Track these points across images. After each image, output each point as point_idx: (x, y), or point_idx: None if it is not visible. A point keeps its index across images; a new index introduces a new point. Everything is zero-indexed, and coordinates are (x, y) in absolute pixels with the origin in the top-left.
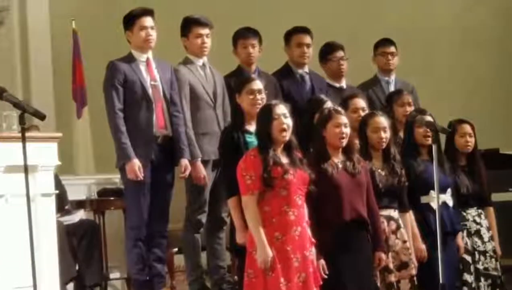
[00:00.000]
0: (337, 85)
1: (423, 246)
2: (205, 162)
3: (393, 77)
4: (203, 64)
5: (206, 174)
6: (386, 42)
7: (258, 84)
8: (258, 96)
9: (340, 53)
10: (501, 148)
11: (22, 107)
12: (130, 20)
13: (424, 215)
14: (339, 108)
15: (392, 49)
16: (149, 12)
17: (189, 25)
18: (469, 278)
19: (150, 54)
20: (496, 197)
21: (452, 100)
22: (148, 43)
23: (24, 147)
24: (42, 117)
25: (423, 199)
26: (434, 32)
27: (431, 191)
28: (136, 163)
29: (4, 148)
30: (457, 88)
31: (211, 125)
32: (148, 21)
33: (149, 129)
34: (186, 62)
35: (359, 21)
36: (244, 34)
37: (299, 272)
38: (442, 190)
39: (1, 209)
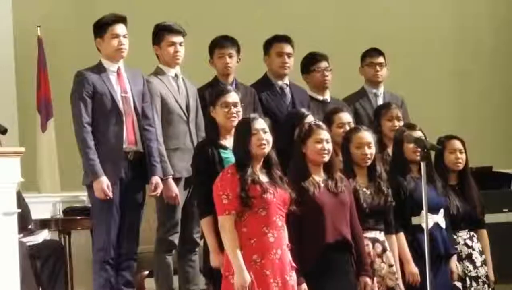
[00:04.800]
0: (320, 97)
1: (416, 270)
2: (177, 180)
3: (381, 90)
4: (176, 75)
5: (178, 193)
6: (374, 52)
7: (233, 97)
8: (234, 109)
9: (324, 64)
10: (495, 166)
11: None
12: (102, 27)
13: (415, 237)
14: (320, 123)
15: (381, 59)
16: (121, 19)
17: (161, 32)
18: None
19: (121, 64)
20: (489, 218)
21: (443, 116)
22: (120, 52)
23: None
24: (3, 131)
25: (415, 220)
26: (423, 43)
27: (423, 212)
28: (105, 180)
29: None
30: (448, 103)
31: (183, 140)
32: (120, 28)
33: (119, 144)
34: (158, 72)
35: (345, 29)
36: (221, 43)
37: None
38: (435, 211)
39: None
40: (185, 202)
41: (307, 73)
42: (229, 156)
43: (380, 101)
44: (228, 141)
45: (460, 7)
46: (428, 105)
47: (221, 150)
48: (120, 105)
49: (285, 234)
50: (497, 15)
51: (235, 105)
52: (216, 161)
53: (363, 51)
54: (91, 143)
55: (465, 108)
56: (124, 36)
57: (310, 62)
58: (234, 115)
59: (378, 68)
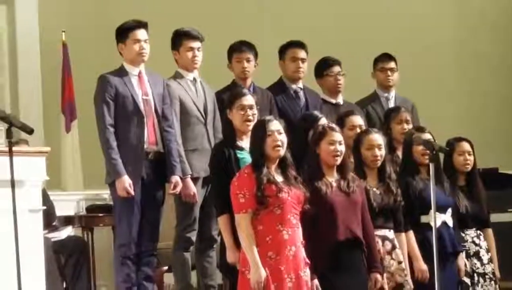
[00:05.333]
0: (333, 101)
1: (424, 267)
2: (195, 179)
3: (392, 93)
4: (194, 79)
5: (196, 192)
6: (385, 57)
7: (249, 100)
8: (249, 112)
9: (337, 68)
10: (500, 167)
11: (9, 120)
12: (123, 33)
13: (424, 235)
14: (334, 125)
15: (392, 64)
16: (143, 25)
17: (179, 38)
18: None
19: (142, 68)
20: (495, 217)
21: (451, 118)
22: (141, 56)
23: (11, 162)
24: (29, 131)
25: (423, 219)
26: (433, 48)
27: (431, 211)
28: (126, 179)
29: None
30: (456, 106)
31: (201, 141)
32: (141, 34)
33: (140, 144)
34: (177, 76)
35: (357, 35)
36: (238, 48)
37: None
38: (443, 210)
39: None
40: (203, 200)
41: (320, 77)
42: (245, 156)
43: (391, 105)
44: (244, 142)
45: (465, 8)
46: (436, 107)
47: (238, 151)
48: (142, 107)
49: (299, 231)
50: (504, 15)
51: (250, 107)
52: (233, 161)
53: (374, 56)
54: (114, 143)
55: (472, 111)
56: (145, 41)
57: (323, 67)
58: (250, 117)
59: (389, 73)
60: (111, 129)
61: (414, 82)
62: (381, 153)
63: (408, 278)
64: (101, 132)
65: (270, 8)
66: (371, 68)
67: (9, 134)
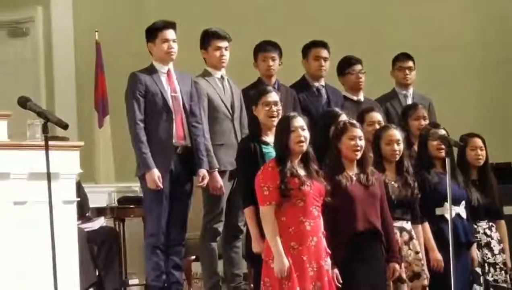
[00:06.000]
0: (355, 98)
1: (439, 257)
2: (222, 173)
3: (410, 91)
4: (221, 77)
5: (223, 184)
6: (404, 56)
7: (274, 96)
8: (274, 108)
9: (358, 67)
10: None
11: (45, 116)
12: (153, 32)
13: (438, 227)
14: (354, 121)
15: (410, 63)
16: (171, 25)
17: (208, 38)
18: (478, 289)
19: (171, 66)
20: (507, 210)
21: (465, 114)
22: (169, 55)
23: (47, 155)
24: (64, 126)
25: (438, 211)
26: (449, 47)
27: (446, 203)
28: (156, 172)
29: (27, 156)
30: (470, 102)
31: (228, 136)
32: (170, 33)
33: (169, 139)
34: (205, 74)
35: (377, 35)
36: (264, 48)
37: (314, 281)
38: (456, 202)
39: (24, 216)
40: (229, 193)
41: (342, 76)
42: (270, 151)
43: (409, 102)
44: (269, 137)
45: (484, 8)
46: (450, 104)
47: (263, 146)
48: (170, 104)
49: (320, 223)
50: None
51: (275, 104)
52: (258, 155)
53: (393, 55)
54: (144, 138)
55: (485, 108)
56: (174, 41)
57: (345, 65)
58: (275, 113)
59: (407, 71)
60: (141, 125)
61: (430, 80)
62: (399, 148)
63: (425, 267)
64: (131, 127)
65: (294, 10)
66: (390, 67)
67: (45, 129)
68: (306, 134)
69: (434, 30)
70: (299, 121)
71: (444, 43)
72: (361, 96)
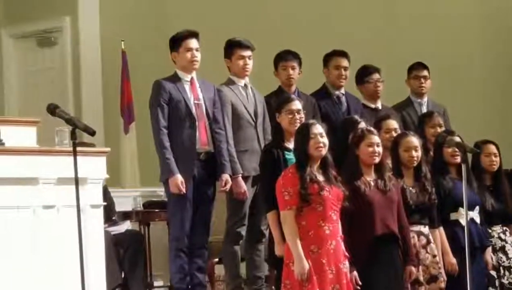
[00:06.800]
0: (372, 106)
1: (454, 260)
2: (245, 178)
3: (425, 99)
4: (245, 85)
5: (246, 189)
6: (419, 66)
7: (297, 104)
8: (297, 116)
9: (376, 76)
10: None
11: (73, 123)
12: (176, 42)
13: (453, 231)
14: (372, 128)
15: (425, 72)
16: (194, 35)
17: (232, 47)
18: None
19: (194, 74)
20: None
21: (479, 120)
22: (193, 64)
23: (75, 161)
24: (92, 132)
25: (453, 216)
26: (464, 57)
27: (460, 208)
28: (179, 178)
29: (56, 161)
30: (484, 108)
31: (251, 142)
32: (193, 43)
33: (192, 145)
34: (229, 82)
35: (393, 45)
36: (284, 57)
37: (333, 284)
38: (470, 207)
39: (53, 219)
40: (253, 197)
41: (361, 84)
42: (292, 157)
43: (424, 110)
44: (292, 144)
45: (500, 16)
46: (466, 111)
47: (286, 152)
48: (194, 111)
49: (339, 227)
50: None
51: (298, 112)
52: (281, 161)
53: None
54: (167, 144)
55: (499, 114)
56: (197, 50)
57: (363, 74)
58: (298, 121)
59: (422, 80)
60: (165, 131)
61: (445, 88)
62: (417, 154)
63: (442, 270)
64: (155, 134)
65: (314, 21)
66: (405, 75)
67: (73, 136)
68: (325, 140)
69: (449, 39)
70: (318, 128)
71: (458, 51)
72: (379, 104)
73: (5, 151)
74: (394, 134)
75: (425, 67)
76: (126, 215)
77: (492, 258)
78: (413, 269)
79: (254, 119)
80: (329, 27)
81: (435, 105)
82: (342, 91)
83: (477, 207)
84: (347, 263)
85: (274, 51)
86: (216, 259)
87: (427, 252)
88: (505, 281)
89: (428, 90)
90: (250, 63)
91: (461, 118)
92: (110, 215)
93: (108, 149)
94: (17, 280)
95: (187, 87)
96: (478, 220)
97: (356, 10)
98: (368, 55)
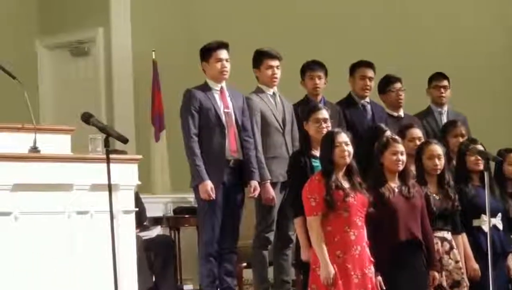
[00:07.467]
0: (395, 114)
1: (476, 266)
2: (274, 184)
3: (445, 108)
4: (273, 93)
5: (274, 195)
6: (439, 76)
7: (324, 113)
8: (324, 125)
9: (398, 85)
10: None
11: (107, 131)
12: (207, 52)
13: (476, 237)
14: (396, 137)
15: (445, 82)
16: (224, 45)
17: (260, 57)
18: None
19: (224, 84)
20: None
21: (499, 129)
22: (223, 74)
23: (108, 168)
24: (125, 140)
25: (475, 222)
26: (487, 68)
27: (482, 215)
28: (209, 184)
29: (90, 168)
30: (504, 116)
31: (280, 149)
32: (223, 53)
33: (222, 152)
34: (258, 91)
35: (413, 55)
36: (311, 66)
37: (358, 289)
38: (493, 214)
39: (87, 224)
40: (281, 203)
41: (383, 93)
42: (319, 164)
43: (444, 119)
44: (319, 152)
45: None
46: (486, 119)
47: (313, 159)
48: (223, 119)
49: (364, 232)
50: None
51: (325, 121)
52: (308, 168)
53: (430, 74)
54: (198, 151)
55: None
56: (227, 60)
57: (386, 84)
58: (324, 129)
59: (442, 90)
60: (195, 138)
61: (466, 97)
62: (440, 162)
63: (465, 276)
64: (186, 141)
65: (339, 32)
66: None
67: (106, 143)
68: (349, 149)
69: (470, 47)
70: (343, 137)
71: (481, 62)
72: (401, 112)
73: (40, 158)
74: (418, 143)
75: (445, 77)
76: (156, 221)
77: None
78: (437, 274)
79: (283, 126)
80: (354, 38)
81: (455, 114)
82: (367, 99)
83: (499, 214)
84: (372, 268)
85: (300, 61)
86: (244, 264)
87: (450, 258)
88: None
89: (448, 99)
90: (278, 72)
91: (484, 128)
92: (142, 220)
93: (140, 156)
94: (53, 283)
95: (217, 96)
96: (500, 226)
97: (380, 21)
98: (390, 66)
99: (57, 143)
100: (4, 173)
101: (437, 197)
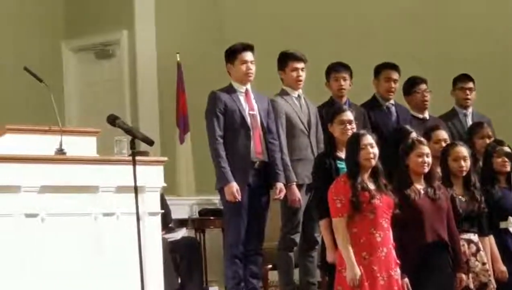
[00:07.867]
0: (420, 116)
1: (504, 268)
2: (299, 186)
3: (470, 110)
4: (298, 96)
5: (300, 197)
6: (465, 77)
7: (348, 115)
8: (349, 126)
9: (423, 86)
10: None
11: (132, 133)
12: (232, 54)
13: (503, 239)
14: (422, 139)
15: (471, 84)
16: (249, 48)
17: (285, 59)
18: None
19: (249, 86)
20: None
21: None
22: (248, 76)
23: (134, 170)
24: (150, 142)
25: (502, 225)
26: (509, 70)
27: (509, 217)
28: (234, 186)
29: (116, 170)
30: None
31: (305, 151)
32: (248, 55)
33: (247, 154)
34: (283, 93)
35: (438, 57)
36: (336, 68)
37: None
38: None
39: (113, 226)
40: (306, 205)
41: (408, 95)
42: (344, 166)
43: (469, 121)
44: (344, 154)
45: None
46: (508, 123)
47: (338, 161)
48: (248, 121)
49: (390, 234)
50: None
51: (349, 122)
52: (333, 170)
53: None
54: (223, 153)
55: None
56: (252, 62)
57: (411, 85)
58: (349, 131)
59: (468, 92)
60: (220, 140)
61: (488, 98)
62: (466, 164)
63: (492, 278)
64: (211, 143)
65: (366, 34)
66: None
67: (132, 146)
68: (375, 151)
69: (494, 48)
70: (368, 139)
71: (508, 63)
72: (426, 114)
73: (66, 160)
74: (444, 144)
75: (470, 79)
76: (182, 223)
77: None
78: (464, 276)
79: (308, 128)
80: (378, 40)
81: (480, 116)
82: (392, 101)
83: None
84: (398, 270)
85: (325, 62)
86: (270, 265)
87: (476, 259)
88: None
89: (473, 101)
90: (303, 74)
91: (508, 130)
92: (167, 222)
93: (165, 158)
94: (79, 285)
95: (242, 98)
96: None
97: (405, 23)
98: (415, 67)
99: (83, 145)
100: (31, 175)
101: (463, 199)
